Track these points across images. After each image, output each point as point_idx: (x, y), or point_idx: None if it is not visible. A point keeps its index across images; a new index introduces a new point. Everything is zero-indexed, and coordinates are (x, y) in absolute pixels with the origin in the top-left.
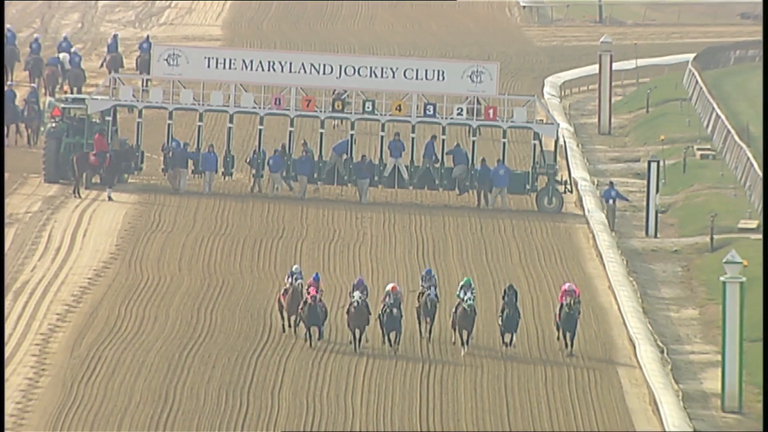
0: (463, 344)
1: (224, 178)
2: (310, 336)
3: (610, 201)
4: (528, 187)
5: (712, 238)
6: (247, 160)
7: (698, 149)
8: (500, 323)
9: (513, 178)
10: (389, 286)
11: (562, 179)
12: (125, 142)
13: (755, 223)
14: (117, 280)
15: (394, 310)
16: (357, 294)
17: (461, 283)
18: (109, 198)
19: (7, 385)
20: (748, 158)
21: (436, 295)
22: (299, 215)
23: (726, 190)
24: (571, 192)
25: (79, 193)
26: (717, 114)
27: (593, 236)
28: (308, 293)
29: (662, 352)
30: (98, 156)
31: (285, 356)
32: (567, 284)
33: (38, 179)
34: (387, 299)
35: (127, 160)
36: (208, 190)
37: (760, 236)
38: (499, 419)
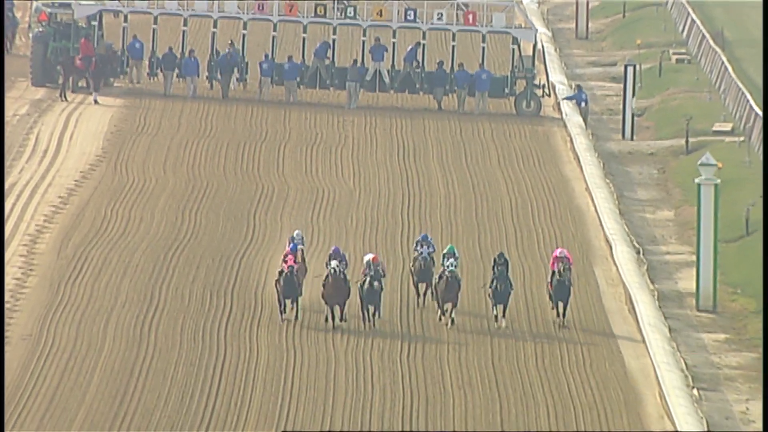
0: (442, 314)
1: (208, 84)
2: (283, 310)
3: (582, 104)
4: (507, 91)
5: (687, 141)
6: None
7: (674, 53)
8: (490, 296)
9: (492, 82)
10: (369, 257)
11: (540, 83)
12: (111, 46)
13: (729, 125)
14: (103, 182)
15: (375, 284)
16: (334, 263)
17: (444, 251)
18: (95, 101)
19: None
20: (723, 62)
21: (429, 254)
22: (282, 119)
23: (701, 93)
24: (549, 96)
25: (65, 96)
26: (692, 19)
27: (571, 139)
28: (285, 262)
29: (638, 252)
30: (84, 60)
31: (268, 257)
32: (558, 249)
33: (25, 83)
34: (367, 270)
35: (112, 64)
36: (192, 95)
37: (735, 138)
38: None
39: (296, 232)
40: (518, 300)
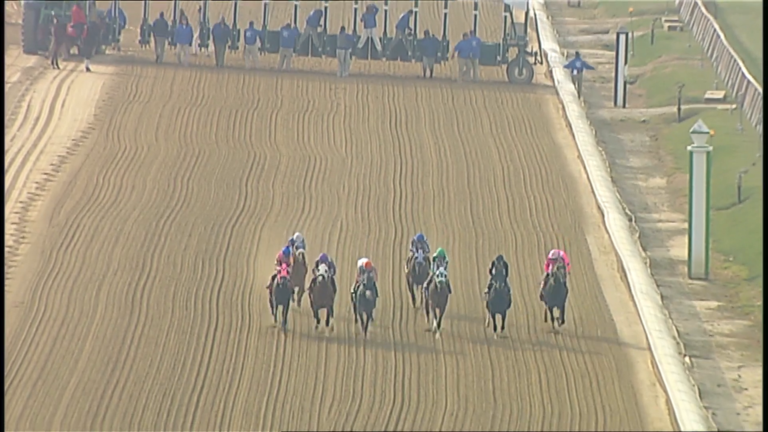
0: (434, 323)
1: (200, 50)
2: (275, 317)
3: (575, 71)
4: (499, 58)
5: (679, 109)
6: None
7: (666, 21)
8: (487, 301)
9: (484, 50)
10: (363, 261)
11: (532, 51)
12: (102, 14)
13: (722, 93)
14: (95, 150)
15: (368, 293)
16: (322, 268)
17: (434, 255)
18: (87, 69)
19: None
20: (715, 30)
21: (425, 258)
22: (274, 86)
23: (693, 61)
24: (541, 63)
25: (57, 64)
26: None
27: (563, 107)
28: (278, 271)
29: (630, 220)
30: (76, 27)
31: (260, 225)
32: (553, 251)
33: (17, 50)
34: (360, 277)
35: (104, 31)
36: (182, 63)
37: (727, 106)
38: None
39: (296, 234)
40: (510, 269)
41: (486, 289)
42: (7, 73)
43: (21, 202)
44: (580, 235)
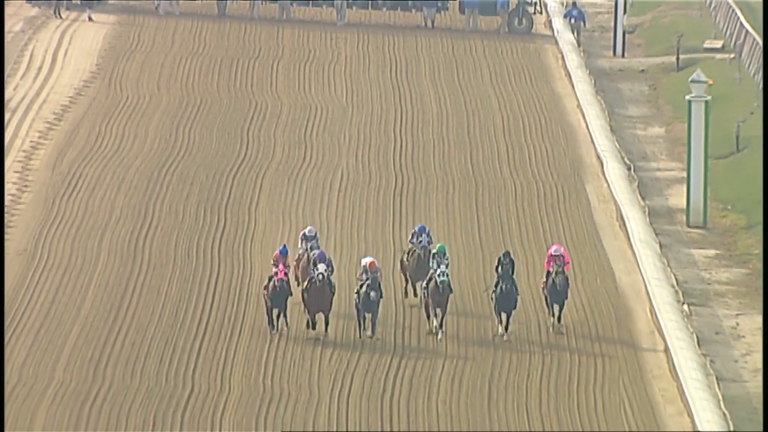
0: (435, 325)
1: None
2: (271, 323)
3: (572, 20)
4: (498, 8)
5: (678, 58)
6: None
7: None
8: (493, 300)
9: (484, 0)
10: (366, 261)
11: (531, 1)
12: None
13: (720, 43)
14: (97, 99)
15: (372, 293)
16: (321, 267)
17: (433, 251)
18: (90, 18)
19: None
20: None
21: (428, 244)
22: (275, 36)
23: (692, 11)
24: (541, 13)
25: (60, 14)
26: None
27: (562, 56)
28: (276, 274)
29: (629, 169)
30: None
31: (261, 174)
32: (554, 247)
33: (20, 0)
34: (364, 276)
35: None
36: (175, 13)
37: (725, 56)
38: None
39: (309, 228)
40: (510, 218)
41: (492, 288)
42: (9, 23)
43: (24, 151)
44: (579, 184)
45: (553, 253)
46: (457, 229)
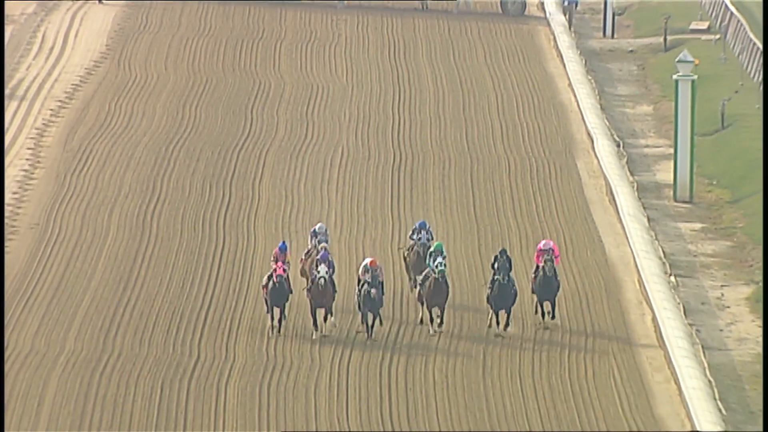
0: (430, 321)
1: None
2: (272, 321)
3: (565, 2)
4: None
5: (665, 39)
6: None
7: None
8: (489, 297)
9: None
10: (368, 261)
11: None
12: None
13: (706, 24)
14: (107, 78)
15: (373, 291)
16: (323, 268)
17: (431, 249)
18: (100, 1)
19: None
20: None
21: (429, 238)
22: (278, 17)
23: None
24: None
25: None
26: None
27: (554, 37)
28: (275, 270)
29: (618, 145)
30: None
31: (264, 150)
32: (543, 242)
33: None
34: (365, 275)
35: None
36: None
37: (711, 36)
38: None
39: (319, 225)
40: (504, 193)
41: (489, 284)
42: (22, 5)
43: (36, 128)
44: (570, 160)
45: (542, 248)
46: (453, 204)
